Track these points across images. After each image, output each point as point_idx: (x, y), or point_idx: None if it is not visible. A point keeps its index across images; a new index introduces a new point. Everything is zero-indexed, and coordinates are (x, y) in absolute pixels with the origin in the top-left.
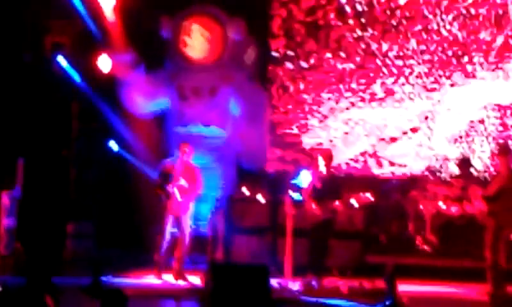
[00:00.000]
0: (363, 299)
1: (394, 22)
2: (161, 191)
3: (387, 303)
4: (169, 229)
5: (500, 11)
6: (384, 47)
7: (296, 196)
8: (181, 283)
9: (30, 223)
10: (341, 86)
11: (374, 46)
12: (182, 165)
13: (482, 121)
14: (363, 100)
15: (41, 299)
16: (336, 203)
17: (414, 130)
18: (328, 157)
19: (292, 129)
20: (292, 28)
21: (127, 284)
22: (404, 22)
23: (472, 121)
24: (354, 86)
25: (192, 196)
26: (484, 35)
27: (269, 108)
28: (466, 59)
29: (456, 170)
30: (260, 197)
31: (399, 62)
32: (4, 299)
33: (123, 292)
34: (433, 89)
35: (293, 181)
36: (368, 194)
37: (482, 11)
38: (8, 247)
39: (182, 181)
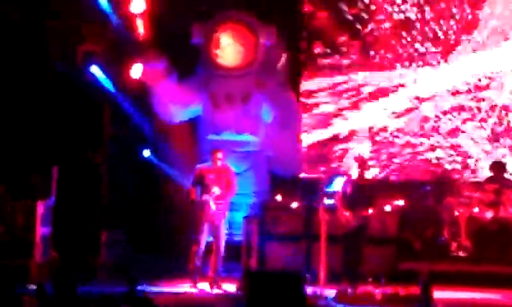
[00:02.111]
0: (398, 306)
1: None
2: (195, 199)
3: None
4: (205, 237)
5: None
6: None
7: (330, 202)
8: (216, 291)
9: (64, 231)
10: None
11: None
12: (215, 172)
13: None
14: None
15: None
16: (370, 209)
17: None
18: (362, 163)
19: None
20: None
21: (161, 292)
22: None
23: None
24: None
25: (227, 203)
26: None
27: (302, 114)
28: None
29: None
30: (293, 204)
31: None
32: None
33: (154, 302)
34: None
35: (326, 188)
36: (401, 200)
37: None
38: (43, 256)
39: (216, 190)
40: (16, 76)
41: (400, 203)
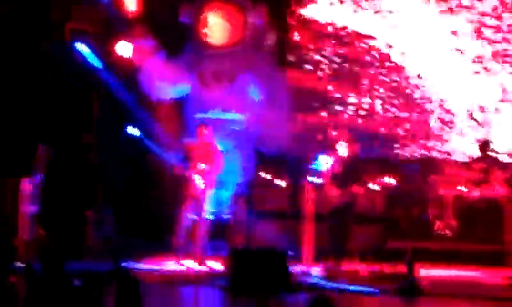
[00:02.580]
0: (383, 284)
1: None
2: (181, 174)
3: (406, 286)
4: (189, 214)
5: None
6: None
7: (316, 180)
8: (202, 268)
9: (52, 209)
10: None
11: None
12: (200, 147)
13: None
14: None
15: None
16: (357, 187)
17: None
18: (348, 141)
19: (313, 112)
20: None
21: (146, 270)
22: None
23: None
24: None
25: (212, 179)
26: None
27: (289, 92)
28: None
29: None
30: (280, 182)
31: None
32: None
33: (136, 278)
34: None
35: (313, 166)
36: (389, 178)
37: None
38: (31, 234)
39: (202, 165)
40: (6, 55)
41: (389, 181)
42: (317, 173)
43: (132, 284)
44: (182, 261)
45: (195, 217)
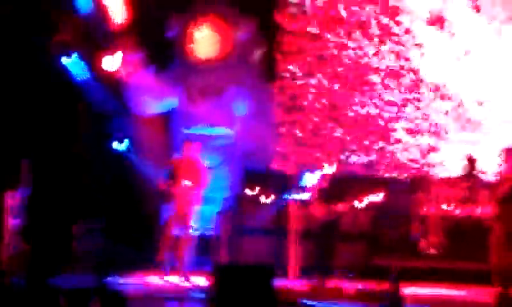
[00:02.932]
0: (368, 301)
1: None
2: (165, 190)
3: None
4: (174, 229)
5: None
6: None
7: (302, 196)
8: (185, 284)
9: (37, 223)
10: None
11: None
12: (186, 163)
13: None
14: None
15: (40, 299)
16: (342, 205)
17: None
18: (336, 159)
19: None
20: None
21: (130, 284)
22: None
23: None
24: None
25: (196, 195)
26: None
27: (276, 107)
28: None
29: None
30: (264, 199)
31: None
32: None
33: (122, 294)
34: None
35: (299, 183)
36: (374, 196)
37: None
38: (14, 248)
39: (186, 182)
40: None
41: (374, 198)
42: (303, 190)
43: (118, 301)
44: (166, 277)
45: (180, 232)
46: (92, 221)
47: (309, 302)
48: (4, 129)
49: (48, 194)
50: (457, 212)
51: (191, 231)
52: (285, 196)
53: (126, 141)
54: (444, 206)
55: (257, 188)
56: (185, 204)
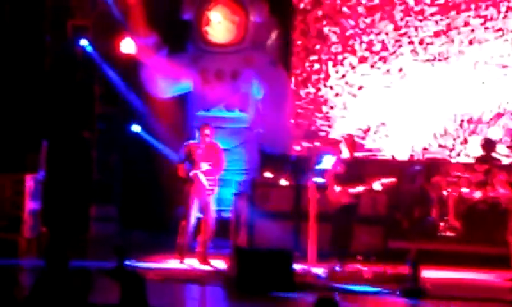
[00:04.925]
0: (386, 285)
1: None
2: (184, 175)
3: (409, 288)
4: (194, 213)
5: None
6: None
7: (319, 180)
8: (205, 267)
9: (54, 206)
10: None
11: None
12: (203, 148)
13: None
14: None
15: (59, 281)
16: (360, 187)
17: None
18: (351, 143)
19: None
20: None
21: (150, 268)
22: None
23: None
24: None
25: (216, 178)
26: None
27: (292, 91)
28: None
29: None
30: (283, 182)
31: None
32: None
33: (141, 276)
34: None
35: (316, 166)
36: (391, 179)
37: None
38: (33, 230)
39: (205, 165)
40: (9, 50)
41: (391, 180)
42: (321, 173)
43: (138, 283)
44: (185, 260)
45: (200, 215)
46: (110, 204)
47: (328, 285)
48: (23, 112)
49: (63, 177)
50: (476, 195)
51: (211, 214)
52: (303, 179)
53: (141, 125)
54: (463, 190)
55: (274, 172)
56: (205, 187)
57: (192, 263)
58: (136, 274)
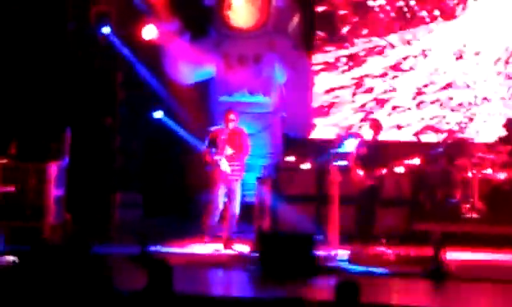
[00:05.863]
0: (410, 267)
1: None
2: (209, 160)
3: (433, 270)
4: (220, 198)
5: None
6: None
7: (342, 163)
8: (229, 251)
9: (78, 193)
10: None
11: None
12: (228, 133)
13: None
14: None
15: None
16: (383, 170)
17: None
18: (376, 126)
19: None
20: None
21: (174, 253)
22: None
23: None
24: None
25: (242, 164)
26: None
27: (313, 75)
28: None
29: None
30: (306, 165)
31: None
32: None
33: (167, 262)
34: None
35: (339, 149)
36: (415, 160)
37: None
38: (57, 217)
39: (229, 151)
40: (32, 38)
41: (414, 162)
42: (343, 156)
43: (165, 270)
44: (209, 244)
45: (225, 199)
46: (133, 191)
47: (351, 268)
48: (47, 100)
49: (88, 165)
50: (500, 176)
51: (236, 200)
52: (325, 162)
53: (164, 111)
54: (486, 171)
55: (296, 156)
56: (231, 173)
57: (216, 247)
58: (163, 261)
